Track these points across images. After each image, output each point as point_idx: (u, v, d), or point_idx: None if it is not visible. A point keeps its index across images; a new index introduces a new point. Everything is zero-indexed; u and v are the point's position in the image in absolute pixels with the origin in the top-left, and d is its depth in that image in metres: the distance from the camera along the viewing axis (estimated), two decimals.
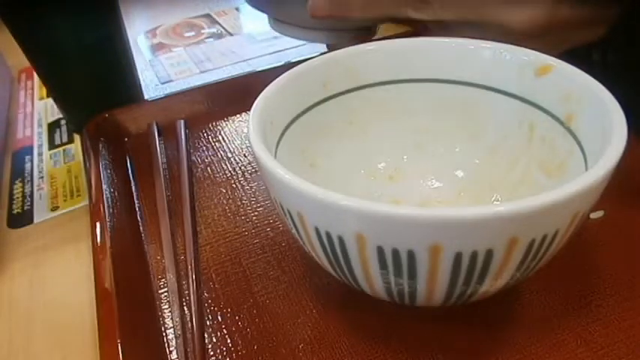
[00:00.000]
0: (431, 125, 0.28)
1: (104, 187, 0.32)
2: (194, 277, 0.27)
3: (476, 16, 0.28)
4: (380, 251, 0.18)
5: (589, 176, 0.17)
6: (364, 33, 0.34)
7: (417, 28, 0.32)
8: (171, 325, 0.25)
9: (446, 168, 0.28)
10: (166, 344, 0.24)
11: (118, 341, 0.23)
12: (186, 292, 0.26)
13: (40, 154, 0.42)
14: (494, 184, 0.27)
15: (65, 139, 0.44)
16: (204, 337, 0.24)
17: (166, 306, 0.26)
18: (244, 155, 0.36)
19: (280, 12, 0.34)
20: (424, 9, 0.29)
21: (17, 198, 0.37)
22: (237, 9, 0.67)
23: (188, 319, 0.25)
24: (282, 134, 0.24)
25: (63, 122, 0.45)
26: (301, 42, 0.55)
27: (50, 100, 0.48)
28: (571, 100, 0.22)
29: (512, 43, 0.25)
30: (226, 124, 0.40)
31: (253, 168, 0.35)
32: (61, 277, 0.30)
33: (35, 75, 0.49)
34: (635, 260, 0.26)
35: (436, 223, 0.16)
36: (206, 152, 0.37)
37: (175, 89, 0.49)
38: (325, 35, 0.34)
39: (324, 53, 0.27)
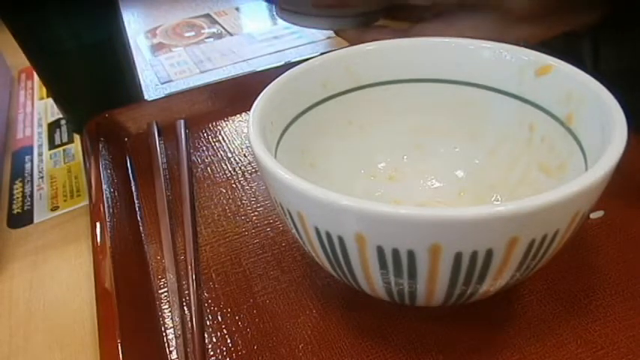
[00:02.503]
0: (431, 125, 0.28)
1: (104, 187, 0.32)
2: (194, 277, 0.27)
3: None
4: (380, 251, 0.18)
5: (589, 176, 0.17)
6: (368, 19, 0.35)
7: (413, 21, 0.32)
8: (171, 325, 0.25)
9: (446, 168, 0.28)
10: (166, 344, 0.24)
11: (118, 341, 0.23)
12: (186, 292, 0.26)
13: (40, 154, 0.42)
14: (494, 184, 0.27)
15: (65, 139, 0.44)
16: (204, 337, 0.24)
17: (166, 306, 0.26)
18: (244, 155, 0.36)
19: (287, 1, 0.35)
20: None
21: (17, 198, 0.37)
22: (237, 9, 0.67)
23: (188, 319, 0.25)
24: (282, 134, 0.24)
25: (63, 122, 0.45)
26: (301, 42, 0.55)
27: (50, 100, 0.48)
28: (571, 100, 0.22)
29: (510, 27, 0.25)
30: (226, 124, 0.40)
31: (253, 168, 0.35)
32: (61, 277, 0.30)
33: (35, 75, 0.49)
34: (635, 260, 0.26)
35: (436, 223, 0.16)
36: (206, 152, 0.37)
37: (175, 89, 0.49)
38: (331, 21, 0.35)
39: (324, 53, 0.27)
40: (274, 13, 0.37)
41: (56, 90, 0.41)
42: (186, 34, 0.61)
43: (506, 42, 0.25)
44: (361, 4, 0.32)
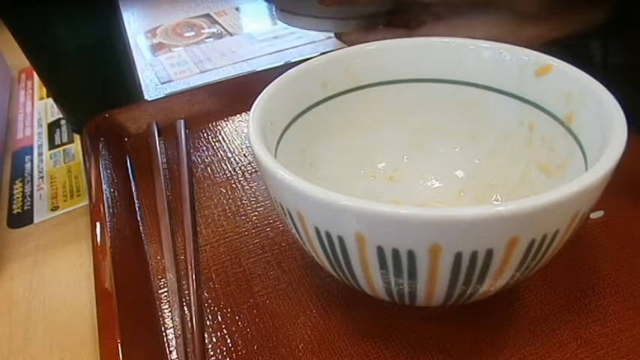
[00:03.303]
0: (431, 125, 0.28)
1: (104, 187, 0.32)
2: (194, 277, 0.27)
3: None
4: (380, 251, 0.18)
5: (589, 176, 0.17)
6: (369, 22, 0.34)
7: (415, 26, 0.31)
8: (171, 325, 0.25)
9: (446, 168, 0.28)
10: (166, 344, 0.24)
11: (118, 341, 0.23)
12: (186, 292, 0.26)
13: (40, 154, 0.42)
14: (494, 184, 0.27)
15: (65, 139, 0.44)
16: (204, 337, 0.24)
17: (166, 306, 0.26)
18: (244, 155, 0.36)
19: (287, 2, 0.35)
20: None
21: (17, 198, 0.37)
22: (237, 9, 0.67)
23: (188, 319, 0.25)
24: (282, 134, 0.24)
25: (63, 122, 0.45)
26: (301, 42, 0.55)
27: (50, 100, 0.48)
28: (571, 100, 0.22)
29: (517, 27, 0.25)
30: (226, 124, 0.40)
31: (253, 168, 0.35)
32: (61, 277, 0.30)
33: (35, 75, 0.49)
34: (635, 260, 0.26)
35: (436, 223, 0.16)
36: (206, 152, 0.37)
37: (175, 89, 0.49)
38: (332, 24, 0.34)
39: (324, 53, 0.27)
40: (273, 14, 0.36)
41: (56, 90, 0.41)
42: (186, 34, 0.61)
43: (515, 43, 0.24)
44: (370, 3, 0.31)
